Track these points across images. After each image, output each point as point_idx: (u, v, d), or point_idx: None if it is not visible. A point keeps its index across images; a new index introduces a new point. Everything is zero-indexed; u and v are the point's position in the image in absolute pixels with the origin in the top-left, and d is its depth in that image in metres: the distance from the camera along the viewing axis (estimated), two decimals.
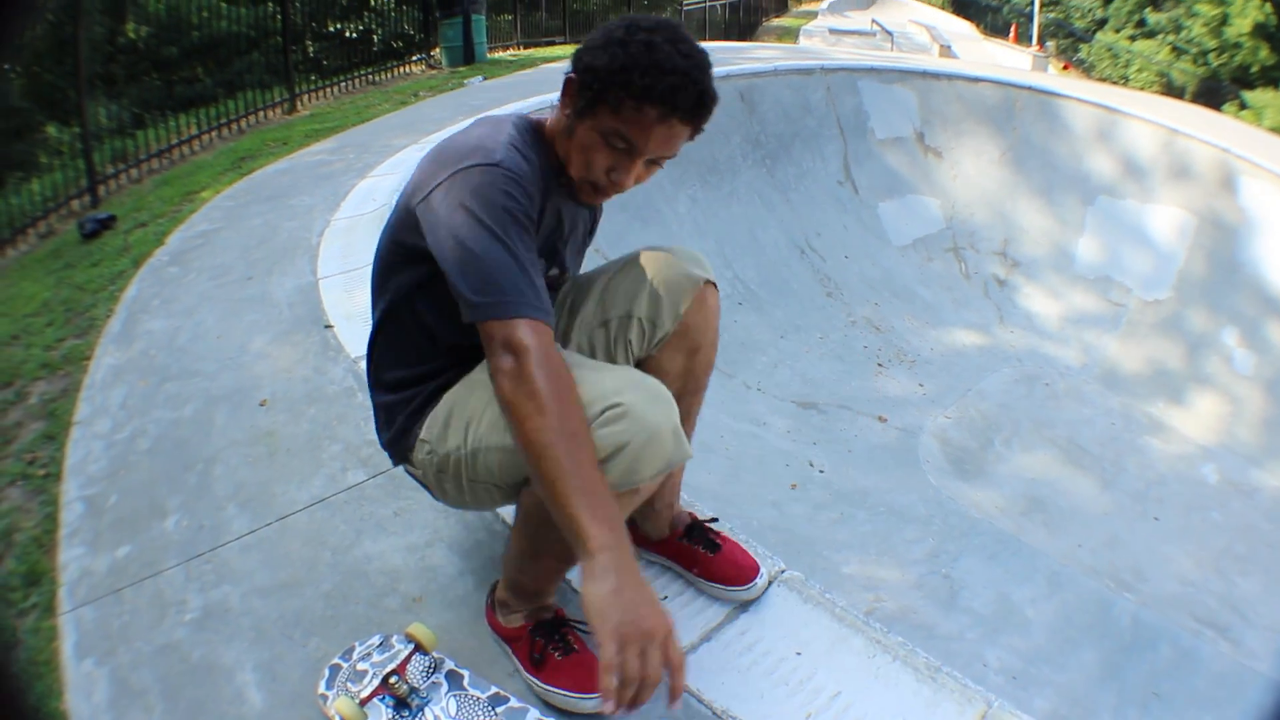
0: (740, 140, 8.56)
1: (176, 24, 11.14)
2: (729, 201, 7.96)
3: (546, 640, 2.11)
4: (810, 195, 8.69)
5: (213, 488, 3.05)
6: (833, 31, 31.24)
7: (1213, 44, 42.36)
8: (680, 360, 2.22)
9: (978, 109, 9.52)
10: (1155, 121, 8.89)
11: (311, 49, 14.68)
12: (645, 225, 7.17)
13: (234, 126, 9.68)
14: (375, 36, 14.66)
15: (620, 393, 1.72)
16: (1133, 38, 46.70)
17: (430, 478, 2.08)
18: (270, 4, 12.24)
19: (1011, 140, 9.32)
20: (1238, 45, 40.72)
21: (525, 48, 15.52)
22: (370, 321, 2.11)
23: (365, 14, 15.10)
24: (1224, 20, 41.34)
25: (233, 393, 3.66)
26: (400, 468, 2.19)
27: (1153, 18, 46.55)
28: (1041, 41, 38.28)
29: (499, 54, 14.71)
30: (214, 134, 9.40)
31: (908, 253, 8.64)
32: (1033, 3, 42.62)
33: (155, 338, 4.31)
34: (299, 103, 10.64)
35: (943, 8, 44.05)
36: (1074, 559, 4.98)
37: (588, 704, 2.02)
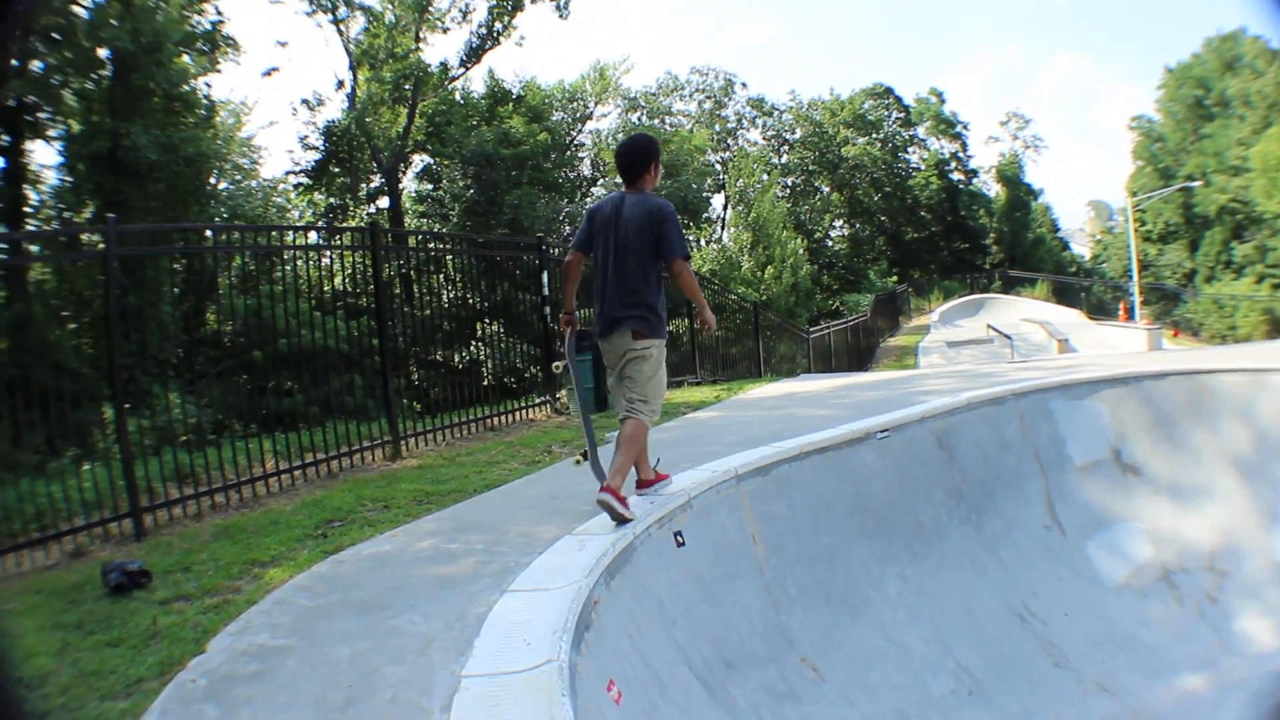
0: (943, 495, 8.03)
1: (260, 326, 9.85)
2: (939, 572, 7.44)
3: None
4: (1020, 548, 8.13)
5: None
6: (950, 345, 32.04)
7: None
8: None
9: (1166, 409, 9.31)
10: None
11: (416, 377, 13.49)
12: (855, 618, 6.52)
13: (324, 468, 8.22)
14: (485, 369, 13.35)
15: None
16: (1227, 278, 47.25)
17: (650, 351, 5.59)
18: (366, 319, 10.97)
19: (1201, 436, 9.08)
20: None
21: None
22: None
23: (473, 343, 13.93)
24: None
25: None
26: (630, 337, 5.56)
27: (1239, 250, 47.03)
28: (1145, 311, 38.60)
29: None
30: (299, 474, 8.02)
31: (1122, 593, 8.16)
32: (1130, 276, 43.55)
33: None
34: (404, 447, 9.09)
35: (1046, 298, 44.45)
36: None
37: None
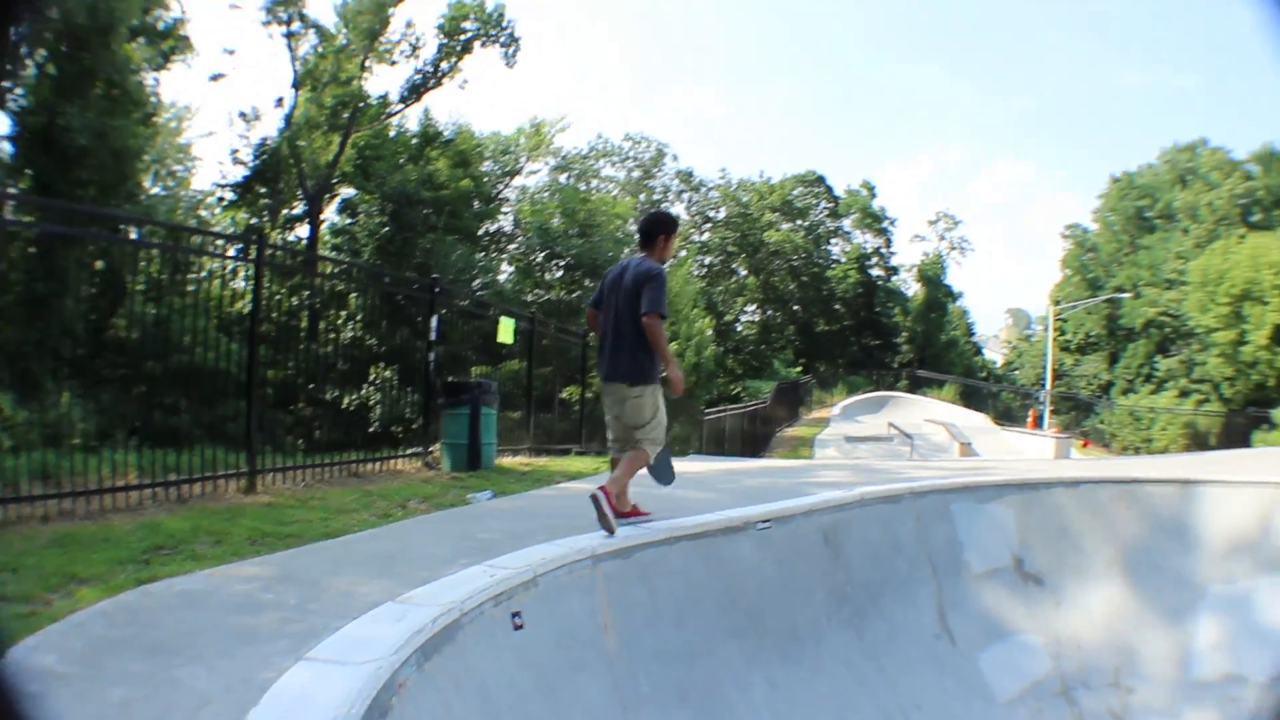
0: (825, 595, 7.50)
1: (164, 338, 9.42)
2: (813, 679, 6.85)
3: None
4: (905, 657, 7.65)
5: None
6: (849, 439, 31.43)
7: (1228, 371, 44.10)
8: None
9: (1077, 517, 8.99)
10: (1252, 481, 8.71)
11: (308, 412, 12.94)
12: None
13: (177, 491, 7.79)
14: (374, 414, 12.80)
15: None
16: (1145, 391, 47.61)
17: (644, 396, 6.59)
18: (265, 348, 10.45)
19: (1114, 547, 8.82)
20: (1254, 363, 42.68)
21: (536, 454, 13.59)
22: None
23: (364, 386, 13.38)
24: (1241, 339, 42.82)
25: None
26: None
27: (1163, 364, 48.07)
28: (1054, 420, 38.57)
29: (508, 460, 12.42)
30: (151, 492, 7.61)
31: (1015, 708, 7.76)
32: (1043, 384, 44.04)
33: None
34: (260, 481, 8.60)
35: (953, 400, 44.78)
36: None
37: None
